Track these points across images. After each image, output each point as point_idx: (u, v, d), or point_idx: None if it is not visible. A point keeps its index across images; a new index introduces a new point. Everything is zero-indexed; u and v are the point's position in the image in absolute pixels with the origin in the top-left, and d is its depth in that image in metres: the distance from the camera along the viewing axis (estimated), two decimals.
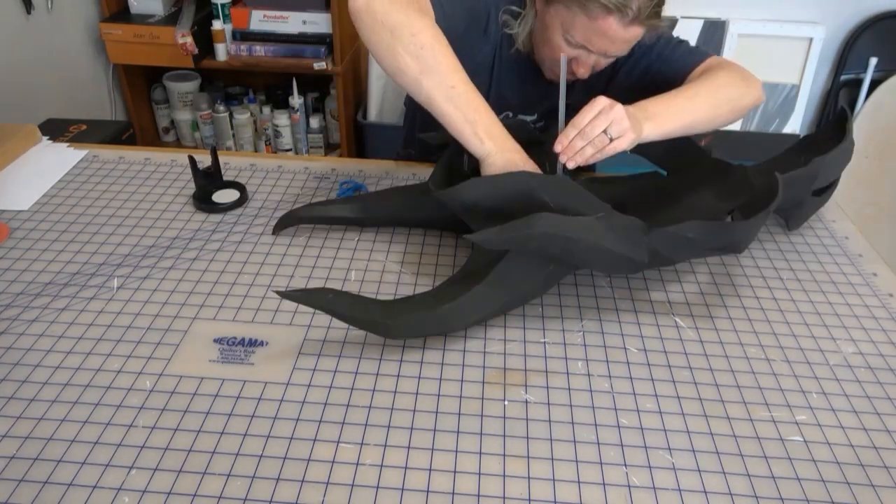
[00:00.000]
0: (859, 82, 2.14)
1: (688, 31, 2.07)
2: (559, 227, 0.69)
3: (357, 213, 0.91)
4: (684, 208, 0.89)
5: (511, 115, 1.11)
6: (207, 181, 0.98)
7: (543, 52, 0.96)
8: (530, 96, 1.07)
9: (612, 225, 0.73)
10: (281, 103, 2.19)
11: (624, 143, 0.78)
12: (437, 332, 0.74)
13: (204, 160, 1.01)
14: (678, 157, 0.97)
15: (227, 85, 2.33)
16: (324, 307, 0.70)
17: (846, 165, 0.94)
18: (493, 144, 0.79)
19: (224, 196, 0.97)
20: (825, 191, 0.97)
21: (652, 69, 1.01)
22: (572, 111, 0.82)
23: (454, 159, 0.89)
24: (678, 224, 0.74)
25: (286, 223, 0.91)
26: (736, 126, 2.18)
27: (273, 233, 0.91)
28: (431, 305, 0.72)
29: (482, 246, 0.73)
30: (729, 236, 0.78)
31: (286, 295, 0.69)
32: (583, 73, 0.92)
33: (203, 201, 0.96)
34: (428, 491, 0.59)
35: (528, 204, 0.74)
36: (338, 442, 0.63)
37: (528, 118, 1.11)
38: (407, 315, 0.71)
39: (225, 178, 1.02)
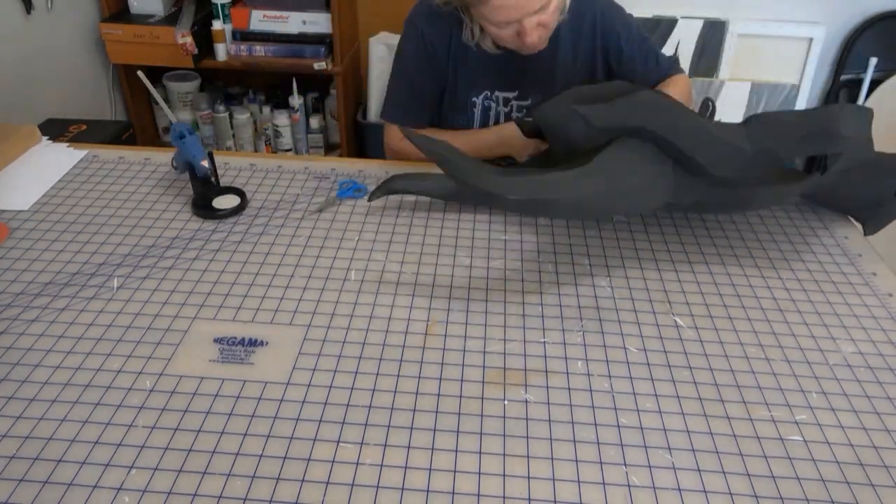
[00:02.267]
0: (859, 82, 2.14)
1: (688, 31, 2.08)
2: (662, 102, 0.75)
3: (453, 191, 0.94)
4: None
5: (489, 93, 1.13)
6: (206, 187, 0.97)
7: (500, 42, 1.03)
8: (505, 69, 1.12)
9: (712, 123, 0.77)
10: (281, 103, 2.19)
11: None
12: (544, 197, 0.74)
13: None
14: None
15: (227, 85, 2.33)
16: (441, 155, 0.74)
17: None
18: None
19: (224, 202, 0.96)
20: None
21: (635, 60, 1.13)
22: (561, 78, 1.10)
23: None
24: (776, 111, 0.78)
25: (383, 192, 0.94)
26: None
27: (369, 200, 0.95)
28: (542, 171, 0.75)
29: (592, 122, 0.77)
30: (826, 121, 0.79)
31: (411, 137, 0.76)
32: (531, 41, 0.98)
33: (202, 207, 0.95)
34: (428, 490, 0.59)
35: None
36: (338, 442, 0.63)
37: (510, 94, 1.13)
38: (519, 175, 0.74)
39: (224, 179, 1.02)
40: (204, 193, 0.97)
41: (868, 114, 0.83)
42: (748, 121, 0.79)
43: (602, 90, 0.82)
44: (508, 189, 0.73)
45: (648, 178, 0.78)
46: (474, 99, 1.14)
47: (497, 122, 1.16)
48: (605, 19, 1.11)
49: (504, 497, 0.58)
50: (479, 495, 0.58)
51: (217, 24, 1.98)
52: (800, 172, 0.87)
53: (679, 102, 0.79)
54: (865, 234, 0.95)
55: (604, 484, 0.60)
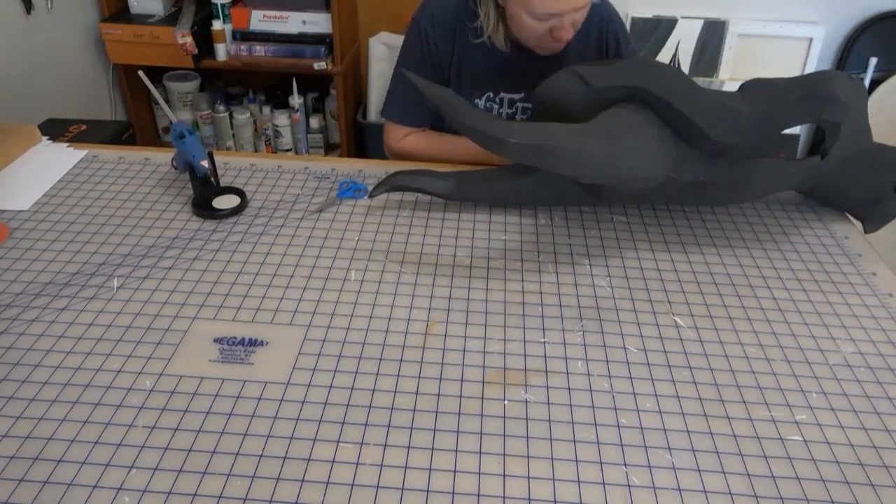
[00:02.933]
0: None
1: (688, 31, 2.08)
2: (659, 64, 0.78)
3: (455, 189, 0.94)
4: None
5: (492, 94, 1.13)
6: (206, 187, 0.97)
7: (524, 37, 1.03)
8: (511, 69, 1.12)
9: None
10: (281, 103, 2.19)
11: None
12: (545, 143, 0.75)
13: None
14: None
15: (227, 85, 2.33)
16: (443, 99, 0.76)
17: None
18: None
19: (224, 202, 0.96)
20: None
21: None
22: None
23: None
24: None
25: (385, 188, 0.94)
26: None
27: (370, 196, 0.95)
28: (544, 123, 0.77)
29: (591, 83, 0.80)
30: (819, 83, 0.82)
31: (413, 79, 0.79)
32: (566, 37, 0.98)
33: (202, 207, 0.95)
34: (428, 490, 0.59)
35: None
36: (338, 442, 0.63)
37: (516, 96, 1.13)
38: (519, 125, 0.75)
39: (224, 179, 1.02)
40: (204, 193, 0.96)
41: (859, 84, 0.85)
42: (743, 86, 0.81)
43: (600, 62, 0.84)
44: (510, 133, 0.74)
45: (648, 140, 0.78)
46: (476, 101, 1.14)
47: None
48: (611, 25, 1.13)
49: (504, 497, 0.58)
50: (479, 495, 0.58)
51: (217, 24, 1.98)
52: (795, 136, 0.90)
53: (675, 67, 0.82)
54: (865, 232, 0.95)
55: (604, 484, 0.60)
